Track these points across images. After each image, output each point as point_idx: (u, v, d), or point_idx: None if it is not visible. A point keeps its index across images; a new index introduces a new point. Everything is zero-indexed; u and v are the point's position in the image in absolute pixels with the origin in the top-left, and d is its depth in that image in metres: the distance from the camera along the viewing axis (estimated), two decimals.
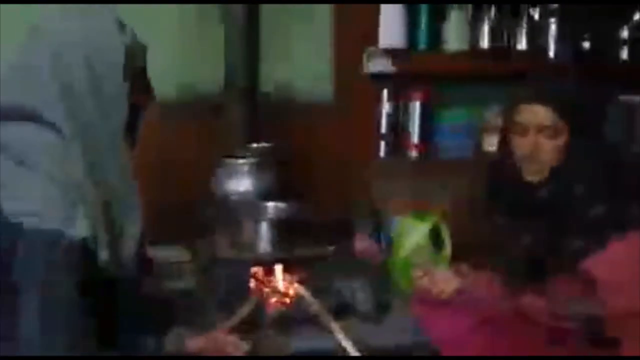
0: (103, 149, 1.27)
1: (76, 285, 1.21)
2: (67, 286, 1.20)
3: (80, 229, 1.22)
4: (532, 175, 1.61)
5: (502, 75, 2.26)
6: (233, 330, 1.57)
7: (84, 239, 1.22)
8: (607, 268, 1.49)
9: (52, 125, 1.25)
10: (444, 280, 1.69)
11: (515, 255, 1.65)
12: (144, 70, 1.36)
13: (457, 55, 2.32)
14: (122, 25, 1.31)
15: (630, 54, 2.43)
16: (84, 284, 1.22)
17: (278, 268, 1.74)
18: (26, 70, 1.26)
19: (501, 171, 1.69)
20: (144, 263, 1.37)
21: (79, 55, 1.25)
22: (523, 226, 1.64)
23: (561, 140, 1.57)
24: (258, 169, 1.95)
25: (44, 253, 1.20)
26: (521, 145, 1.61)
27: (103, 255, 1.25)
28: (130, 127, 1.32)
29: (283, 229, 1.86)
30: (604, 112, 1.63)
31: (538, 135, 1.58)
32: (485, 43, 2.36)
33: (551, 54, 2.38)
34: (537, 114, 1.58)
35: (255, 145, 2.00)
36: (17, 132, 1.26)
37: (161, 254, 1.85)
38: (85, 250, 1.22)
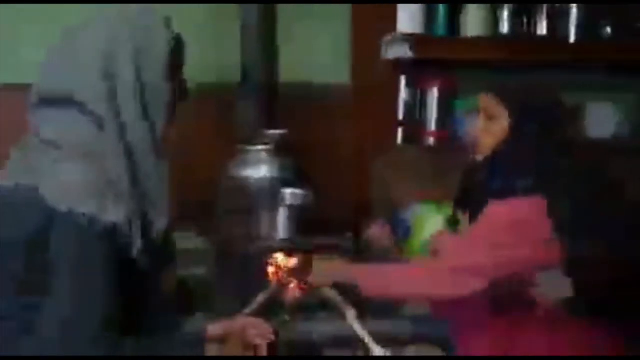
0: (142, 142, 1.29)
1: (108, 269, 1.23)
2: (100, 270, 1.22)
3: (112, 215, 1.24)
4: (482, 152, 1.69)
5: (522, 62, 2.24)
6: (251, 316, 1.58)
7: (116, 225, 1.24)
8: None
9: (92, 114, 1.28)
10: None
11: None
12: (182, 66, 1.38)
13: (476, 42, 2.30)
14: (167, 23, 1.34)
15: None
16: (114, 268, 1.24)
17: (295, 254, 1.75)
18: (73, 58, 1.29)
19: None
20: (169, 249, 1.39)
21: (127, 49, 1.28)
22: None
23: (499, 126, 1.64)
24: (275, 155, 1.94)
25: (77, 237, 1.22)
26: (473, 126, 1.72)
27: (133, 240, 1.27)
28: (168, 124, 1.34)
29: (300, 215, 1.86)
30: (559, 108, 1.69)
31: (480, 119, 1.68)
32: (505, 29, 2.34)
33: (572, 39, 2.36)
34: (485, 97, 1.69)
35: (271, 131, 1.99)
36: (57, 118, 1.29)
37: (179, 241, 1.86)
38: (116, 235, 1.24)
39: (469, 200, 1.72)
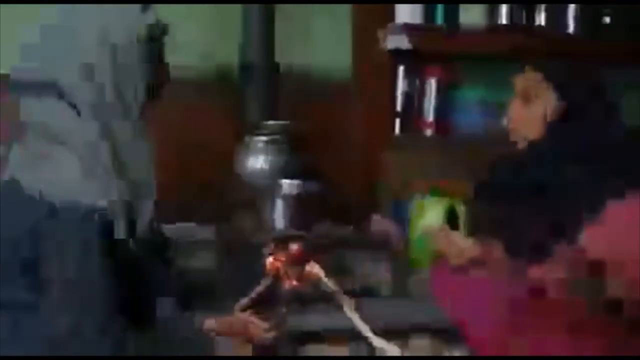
0: (122, 128, 1.29)
1: (102, 260, 1.22)
2: (98, 260, 1.22)
3: (102, 204, 1.23)
4: (519, 140, 1.58)
5: (520, 52, 2.23)
6: (249, 308, 1.57)
7: (106, 214, 1.24)
8: (605, 244, 1.44)
9: (73, 103, 1.27)
10: (462, 241, 1.68)
11: (511, 234, 1.61)
12: (162, 51, 1.37)
13: (474, 32, 2.29)
14: (144, 6, 1.33)
15: None
16: (109, 259, 1.23)
17: (294, 246, 1.74)
18: (51, 48, 1.29)
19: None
20: (162, 240, 1.38)
21: (100, 35, 1.27)
22: (514, 203, 1.61)
23: (541, 108, 1.54)
24: (275, 146, 1.94)
25: (71, 227, 1.21)
26: (509, 112, 1.60)
27: (122, 231, 1.26)
28: (147, 107, 1.33)
29: (300, 207, 1.85)
30: (601, 92, 1.58)
31: (519, 100, 1.57)
32: (503, 19, 2.33)
33: (571, 29, 2.35)
34: (523, 77, 1.58)
35: (272, 122, 1.98)
36: (45, 109, 1.28)
37: (179, 232, 1.85)
38: (108, 225, 1.24)
39: (501, 193, 1.59)
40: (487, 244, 1.68)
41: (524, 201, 1.53)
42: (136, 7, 1.32)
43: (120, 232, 1.25)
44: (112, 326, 1.22)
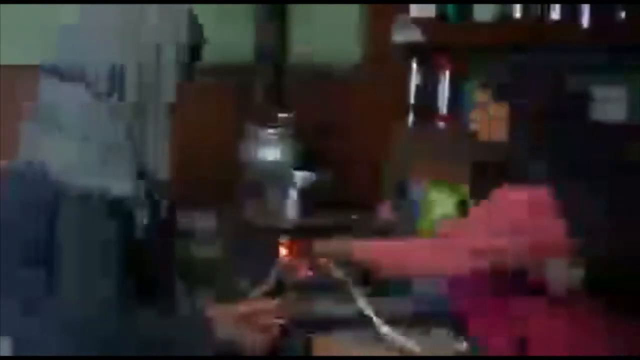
0: (146, 119, 1.31)
1: (112, 241, 1.24)
2: (103, 242, 1.24)
3: (119, 189, 1.26)
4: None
5: (533, 46, 2.23)
6: (261, 298, 1.59)
7: (119, 197, 1.26)
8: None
9: (96, 88, 1.29)
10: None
11: None
12: (199, 54, 1.40)
13: (487, 25, 2.29)
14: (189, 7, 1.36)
15: None
16: (119, 241, 1.25)
17: (305, 235, 1.75)
18: (80, 35, 1.31)
19: None
20: (171, 224, 1.40)
21: (144, 35, 1.30)
22: None
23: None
24: (285, 137, 1.95)
25: (85, 212, 1.24)
26: None
27: (136, 214, 1.28)
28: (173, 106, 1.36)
29: (310, 197, 1.86)
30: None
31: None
32: (517, 13, 2.32)
33: (585, 23, 2.34)
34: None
35: (282, 114, 2.00)
36: (62, 92, 1.31)
37: (189, 221, 1.87)
38: (119, 208, 1.26)
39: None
40: None
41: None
42: (181, 8, 1.34)
43: (138, 214, 1.27)
44: (117, 309, 1.24)
